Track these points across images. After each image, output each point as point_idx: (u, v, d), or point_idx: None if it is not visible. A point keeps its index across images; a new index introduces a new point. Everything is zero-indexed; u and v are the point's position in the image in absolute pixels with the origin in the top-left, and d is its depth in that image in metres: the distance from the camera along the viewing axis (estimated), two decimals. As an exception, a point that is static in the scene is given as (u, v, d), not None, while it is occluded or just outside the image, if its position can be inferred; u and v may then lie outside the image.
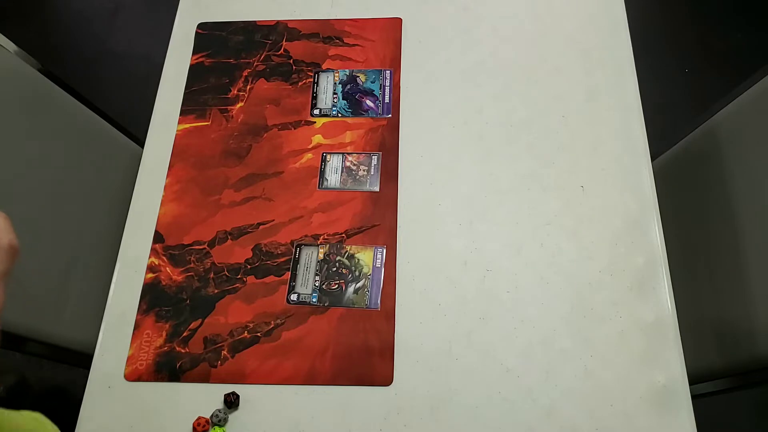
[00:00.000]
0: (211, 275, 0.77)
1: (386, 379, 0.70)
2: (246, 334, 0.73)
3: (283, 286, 0.75)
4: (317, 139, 0.85)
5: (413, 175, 0.82)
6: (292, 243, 0.78)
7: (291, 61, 0.91)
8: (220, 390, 0.70)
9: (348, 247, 0.77)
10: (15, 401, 1.34)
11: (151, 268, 0.78)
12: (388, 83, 0.88)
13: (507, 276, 0.75)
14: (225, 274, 0.77)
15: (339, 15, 0.94)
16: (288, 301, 0.75)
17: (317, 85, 0.89)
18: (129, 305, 0.76)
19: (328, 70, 0.90)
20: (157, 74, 0.91)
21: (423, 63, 0.90)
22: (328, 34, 0.93)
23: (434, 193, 0.80)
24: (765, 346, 0.76)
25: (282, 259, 0.77)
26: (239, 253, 0.78)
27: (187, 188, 0.83)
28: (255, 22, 0.95)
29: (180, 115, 0.88)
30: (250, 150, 0.85)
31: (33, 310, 0.79)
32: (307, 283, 0.75)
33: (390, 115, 0.86)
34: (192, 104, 0.88)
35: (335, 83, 0.89)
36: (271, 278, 0.76)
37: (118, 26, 1.97)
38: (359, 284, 0.75)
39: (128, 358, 0.72)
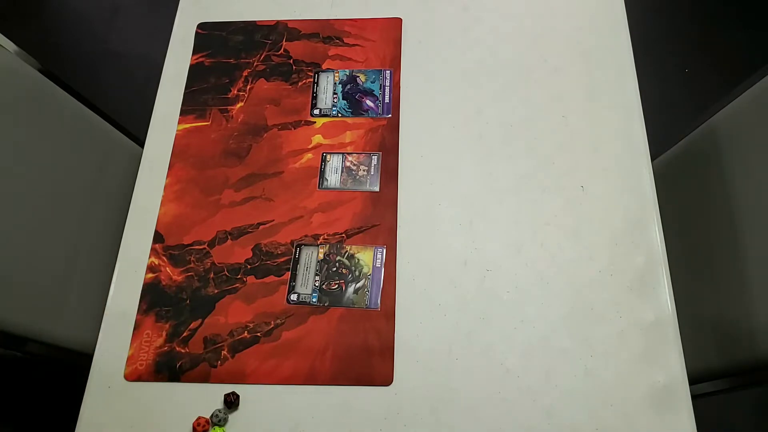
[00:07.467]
0: (211, 275, 0.77)
1: (386, 379, 0.70)
2: (246, 334, 0.73)
3: (283, 286, 0.75)
4: (317, 139, 0.85)
5: (413, 175, 0.82)
6: (292, 243, 0.78)
7: (291, 61, 0.91)
8: (220, 390, 0.70)
9: (348, 247, 0.77)
10: (11, 402, 1.34)
11: (151, 268, 0.78)
12: (388, 83, 0.88)
13: (507, 276, 0.75)
14: (225, 274, 0.77)
15: (339, 15, 0.94)
16: (288, 301, 0.75)
17: (317, 85, 0.89)
18: (129, 305, 0.76)
19: (328, 70, 0.90)
20: (157, 74, 0.91)
21: (423, 63, 0.90)
22: (328, 34, 0.93)
23: (434, 193, 0.80)
24: (765, 346, 0.76)
25: (282, 259, 0.77)
26: (239, 253, 0.78)
27: (187, 188, 0.83)
28: (255, 22, 0.95)
29: (180, 115, 0.88)
30: (250, 150, 0.85)
31: (33, 310, 0.80)
32: (307, 283, 0.75)
33: (390, 115, 0.86)
34: (192, 104, 0.88)
35: (335, 83, 0.89)
36: (271, 278, 0.76)
37: (118, 26, 1.97)
38: (359, 284, 0.75)
39: (128, 358, 0.72)
